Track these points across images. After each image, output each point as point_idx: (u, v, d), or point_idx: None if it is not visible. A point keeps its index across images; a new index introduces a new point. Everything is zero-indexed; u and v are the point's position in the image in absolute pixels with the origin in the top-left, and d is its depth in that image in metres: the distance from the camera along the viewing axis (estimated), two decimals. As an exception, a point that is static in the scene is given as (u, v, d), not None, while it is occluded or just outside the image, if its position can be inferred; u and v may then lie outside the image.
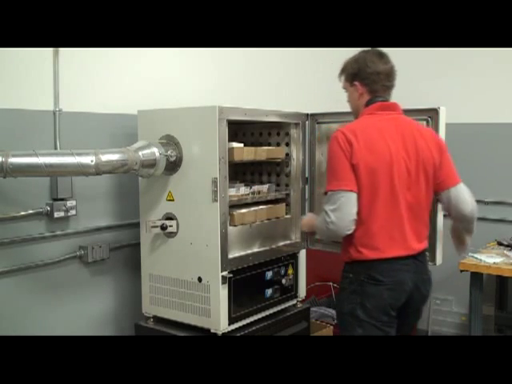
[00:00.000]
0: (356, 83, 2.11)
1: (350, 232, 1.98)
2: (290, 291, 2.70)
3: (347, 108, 2.24)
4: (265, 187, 2.65)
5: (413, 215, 2.02)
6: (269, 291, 2.57)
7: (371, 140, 1.97)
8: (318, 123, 2.78)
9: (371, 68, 2.08)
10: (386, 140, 1.98)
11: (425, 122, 2.40)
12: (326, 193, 2.02)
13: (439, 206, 2.27)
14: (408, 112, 2.18)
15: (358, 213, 1.96)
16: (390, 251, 1.98)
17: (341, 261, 2.10)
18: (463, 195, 2.08)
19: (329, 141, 2.07)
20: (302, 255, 2.78)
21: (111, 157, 2.18)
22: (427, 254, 2.21)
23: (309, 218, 2.32)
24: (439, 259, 2.52)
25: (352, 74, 2.12)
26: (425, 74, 3.96)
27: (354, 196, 1.95)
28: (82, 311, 2.57)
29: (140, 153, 2.26)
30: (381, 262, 1.98)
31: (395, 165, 1.97)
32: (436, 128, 2.37)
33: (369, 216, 1.97)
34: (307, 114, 2.77)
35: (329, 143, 2.05)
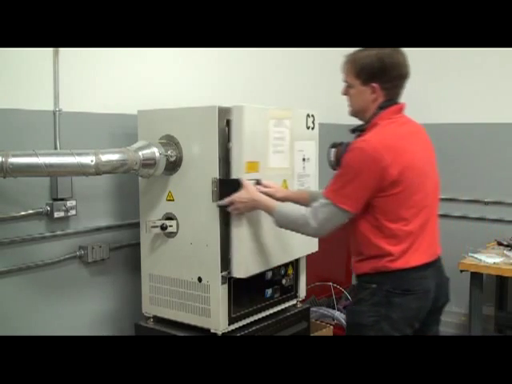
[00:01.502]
0: (374, 85, 1.91)
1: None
2: (289, 291, 2.70)
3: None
4: (265, 187, 2.65)
5: (433, 221, 1.98)
6: (269, 291, 2.57)
7: (402, 150, 1.87)
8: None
9: (397, 71, 1.91)
10: (412, 148, 1.91)
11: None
12: (325, 193, 1.92)
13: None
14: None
15: (389, 225, 1.87)
16: (418, 259, 1.91)
17: (357, 272, 2.00)
18: None
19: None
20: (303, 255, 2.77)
21: (111, 157, 2.18)
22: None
23: (256, 197, 2.13)
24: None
25: (370, 74, 1.91)
26: (424, 74, 3.96)
27: (350, 216, 1.89)
28: (82, 311, 2.57)
29: (140, 153, 2.26)
30: (409, 270, 1.89)
31: (424, 171, 1.92)
32: (230, 132, 2.23)
33: (401, 226, 1.88)
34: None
35: (350, 151, 1.87)
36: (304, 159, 2.62)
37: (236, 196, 2.17)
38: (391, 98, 1.95)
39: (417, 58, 3.87)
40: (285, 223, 2.05)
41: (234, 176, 2.24)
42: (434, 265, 1.97)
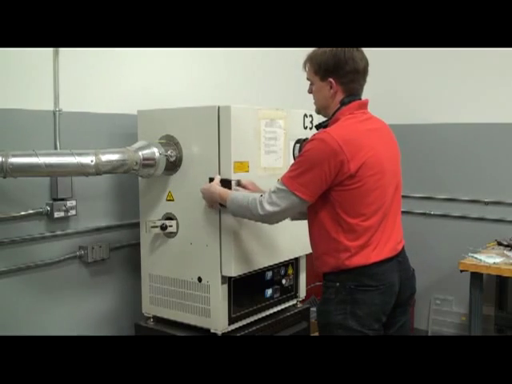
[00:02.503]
0: (331, 80, 1.95)
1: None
2: (289, 291, 2.70)
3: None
4: (265, 187, 2.65)
5: (392, 217, 1.98)
6: (269, 291, 2.57)
7: (361, 146, 1.88)
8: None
9: (350, 66, 1.94)
10: (371, 144, 1.91)
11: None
12: (282, 178, 1.92)
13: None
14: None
15: (348, 219, 1.88)
16: (377, 255, 1.91)
17: (320, 272, 2.00)
18: None
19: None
20: (302, 255, 2.77)
21: (111, 157, 2.18)
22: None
23: (212, 189, 2.19)
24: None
25: (326, 70, 1.95)
26: (423, 74, 3.96)
27: (304, 204, 1.92)
28: (82, 311, 2.57)
29: (140, 153, 2.26)
30: (370, 266, 1.90)
31: (383, 168, 1.92)
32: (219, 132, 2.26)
33: (360, 221, 1.89)
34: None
35: (311, 141, 1.91)
36: None
37: (201, 188, 2.25)
38: (351, 94, 1.98)
39: (418, 58, 3.91)
40: (236, 210, 2.07)
41: (222, 176, 2.24)
42: (396, 259, 1.98)
